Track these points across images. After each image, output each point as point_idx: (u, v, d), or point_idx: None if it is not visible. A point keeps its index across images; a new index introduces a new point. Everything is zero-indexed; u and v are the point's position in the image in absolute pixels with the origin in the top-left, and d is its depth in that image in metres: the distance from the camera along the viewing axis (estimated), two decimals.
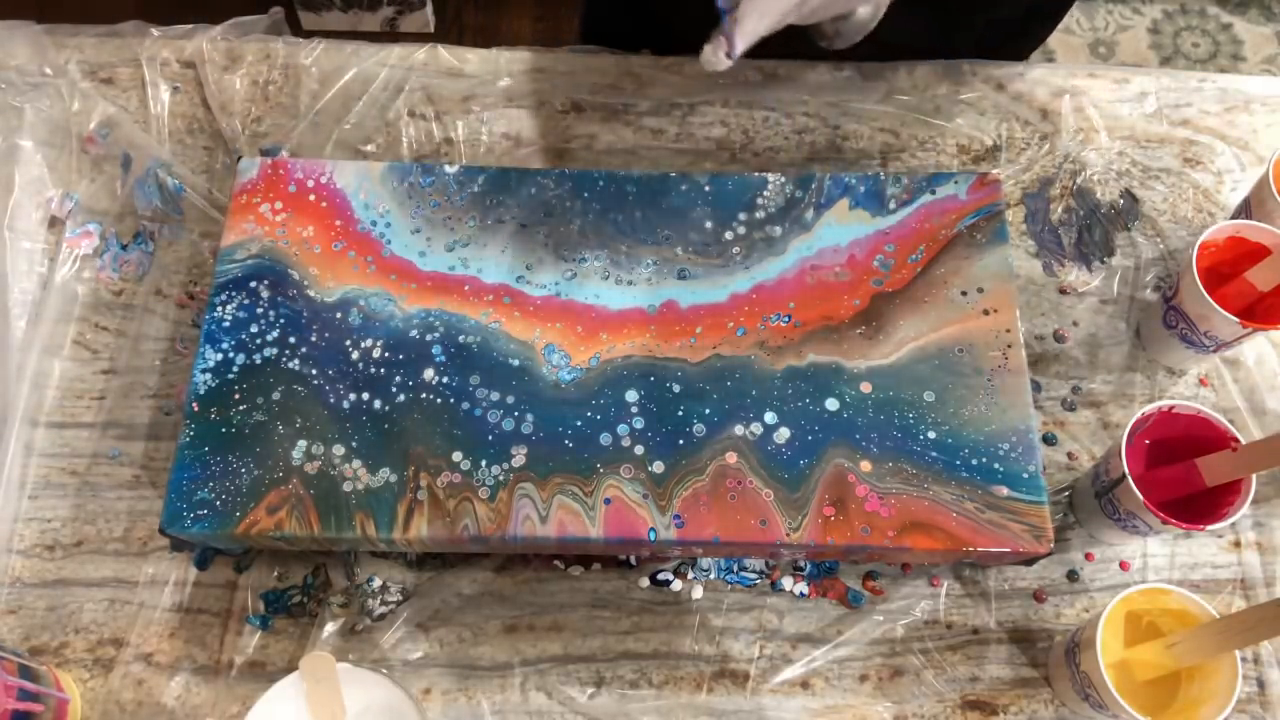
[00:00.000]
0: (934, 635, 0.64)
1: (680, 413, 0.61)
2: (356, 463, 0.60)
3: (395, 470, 0.60)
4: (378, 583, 0.64)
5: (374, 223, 0.67)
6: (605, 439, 0.60)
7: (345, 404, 0.61)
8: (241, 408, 0.61)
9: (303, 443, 0.60)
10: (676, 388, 0.62)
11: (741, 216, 0.68)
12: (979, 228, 0.67)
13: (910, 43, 0.79)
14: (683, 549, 0.60)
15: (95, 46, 0.80)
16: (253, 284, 0.65)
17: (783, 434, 0.61)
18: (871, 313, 0.64)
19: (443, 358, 0.63)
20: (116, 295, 0.72)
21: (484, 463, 0.60)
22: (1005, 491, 0.59)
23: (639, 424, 0.61)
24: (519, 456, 0.60)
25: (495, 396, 0.61)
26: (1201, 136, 0.79)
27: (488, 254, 0.66)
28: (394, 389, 0.62)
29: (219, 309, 0.64)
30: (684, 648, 0.63)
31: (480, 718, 0.61)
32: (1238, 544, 0.67)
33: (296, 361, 0.63)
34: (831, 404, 0.61)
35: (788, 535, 0.58)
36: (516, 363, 0.63)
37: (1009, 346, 0.63)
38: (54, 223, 0.75)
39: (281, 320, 0.64)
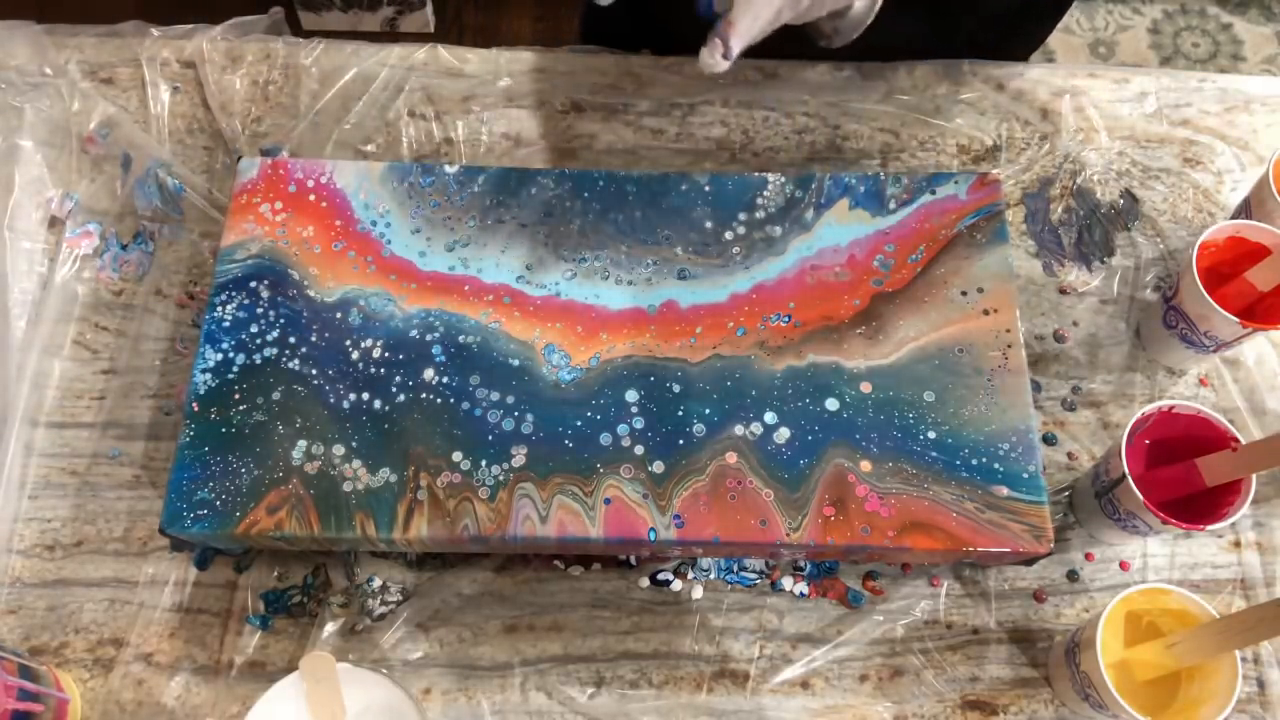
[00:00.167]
0: (934, 635, 0.64)
1: (680, 413, 0.61)
2: (356, 463, 0.60)
3: (395, 470, 0.60)
4: (378, 583, 0.64)
5: (374, 223, 0.67)
6: (605, 439, 0.60)
7: (345, 404, 0.61)
8: (241, 408, 0.61)
9: (303, 443, 0.60)
10: (676, 388, 0.62)
11: (741, 216, 0.68)
12: (979, 228, 0.67)
13: (902, 43, 0.79)
14: (683, 549, 0.60)
15: (95, 46, 0.80)
16: (253, 284, 0.65)
17: (783, 434, 0.61)
18: (871, 313, 0.64)
19: (443, 358, 0.63)
20: (116, 295, 0.72)
21: (484, 463, 0.60)
22: (1005, 491, 0.59)
23: (639, 424, 0.61)
24: (519, 456, 0.60)
25: (495, 396, 0.61)
26: (1201, 136, 0.79)
27: (488, 254, 0.66)
28: (394, 389, 0.62)
29: (219, 309, 0.64)
30: (684, 648, 0.63)
31: (480, 718, 0.61)
32: (1238, 544, 0.67)
33: (296, 361, 0.63)
34: (831, 404, 0.61)
35: (788, 535, 0.58)
36: (516, 363, 0.63)
37: (1009, 346, 0.63)
38: (54, 223, 0.75)
39: (281, 320, 0.64)
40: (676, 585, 0.65)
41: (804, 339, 0.63)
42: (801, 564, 0.65)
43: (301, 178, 0.68)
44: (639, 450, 0.60)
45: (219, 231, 0.70)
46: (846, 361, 0.63)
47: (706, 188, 0.68)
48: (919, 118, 0.79)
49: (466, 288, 0.65)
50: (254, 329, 0.63)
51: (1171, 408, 0.61)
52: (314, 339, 0.63)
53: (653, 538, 0.58)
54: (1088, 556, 0.66)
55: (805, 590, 0.65)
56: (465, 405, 0.61)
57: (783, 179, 0.69)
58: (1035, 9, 0.83)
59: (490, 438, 0.60)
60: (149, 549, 0.65)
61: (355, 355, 0.63)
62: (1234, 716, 0.60)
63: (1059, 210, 0.76)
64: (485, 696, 0.62)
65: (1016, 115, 0.80)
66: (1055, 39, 1.81)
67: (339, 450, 0.60)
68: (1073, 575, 0.66)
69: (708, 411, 0.61)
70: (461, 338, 0.63)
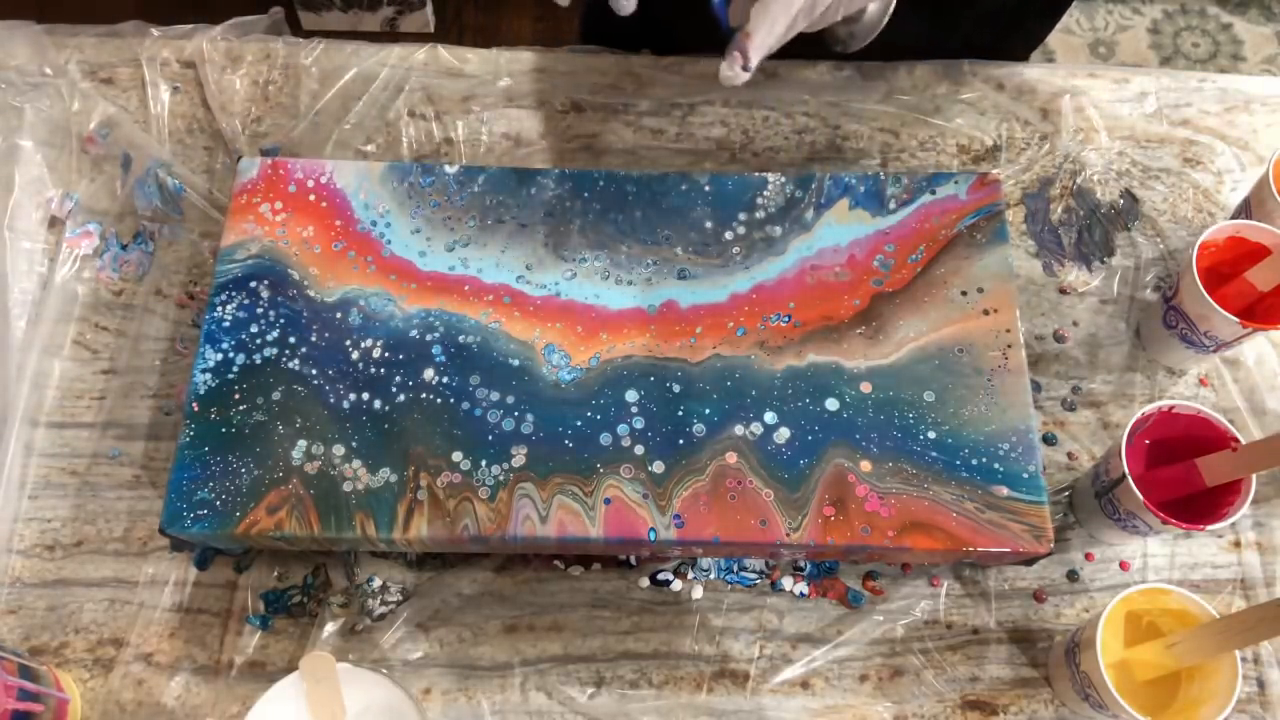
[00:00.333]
0: (934, 635, 0.64)
1: (680, 413, 0.61)
2: (356, 463, 0.60)
3: (395, 470, 0.60)
4: (378, 583, 0.64)
5: (374, 223, 0.67)
6: (605, 439, 0.60)
7: (345, 404, 0.61)
8: (241, 408, 0.61)
9: (303, 443, 0.60)
10: (676, 388, 0.62)
11: (741, 216, 0.68)
12: (979, 228, 0.67)
13: (903, 41, 0.79)
14: (683, 549, 0.60)
15: (95, 46, 0.80)
16: (253, 284, 0.65)
17: (783, 434, 0.61)
18: (871, 313, 0.64)
19: (443, 358, 0.63)
20: (116, 295, 0.72)
21: (484, 463, 0.60)
22: (1005, 491, 0.59)
23: (639, 424, 0.61)
24: (519, 456, 0.60)
25: (495, 396, 0.61)
26: (1201, 136, 0.79)
27: (488, 254, 0.66)
28: (394, 389, 0.62)
29: (219, 309, 0.64)
30: (684, 648, 0.63)
31: (480, 718, 0.61)
32: (1238, 544, 0.67)
33: (296, 361, 0.63)
34: (831, 404, 0.61)
35: (788, 535, 0.58)
36: (516, 363, 0.63)
37: (1009, 346, 0.63)
38: (54, 223, 0.75)
39: (281, 320, 0.64)
40: (676, 585, 0.65)
41: (804, 339, 0.63)
42: (801, 564, 0.65)
43: (301, 178, 0.68)
44: (639, 450, 0.60)
45: (219, 231, 0.70)
46: (846, 361, 0.63)
47: (706, 188, 0.68)
48: (919, 118, 0.79)
49: (466, 288, 0.65)
50: (254, 329, 0.63)
51: (1171, 408, 0.61)
52: (314, 339, 0.63)
53: (653, 538, 0.58)
54: (1088, 556, 0.66)
55: (805, 590, 0.65)
56: (465, 405, 0.61)
57: (783, 179, 0.69)
58: (1035, 6, 0.83)
59: (490, 438, 0.60)
60: (149, 549, 0.65)
61: (355, 355, 0.63)
62: (1234, 716, 0.60)
63: (1059, 210, 0.76)
64: (485, 696, 0.62)
65: (1016, 115, 0.80)
66: (1055, 39, 1.82)
67: (339, 450, 0.60)
68: (1073, 575, 0.66)
69: (708, 411, 0.61)
70: (461, 338, 0.63)
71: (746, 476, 0.59)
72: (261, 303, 0.64)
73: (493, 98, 0.80)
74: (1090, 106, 0.80)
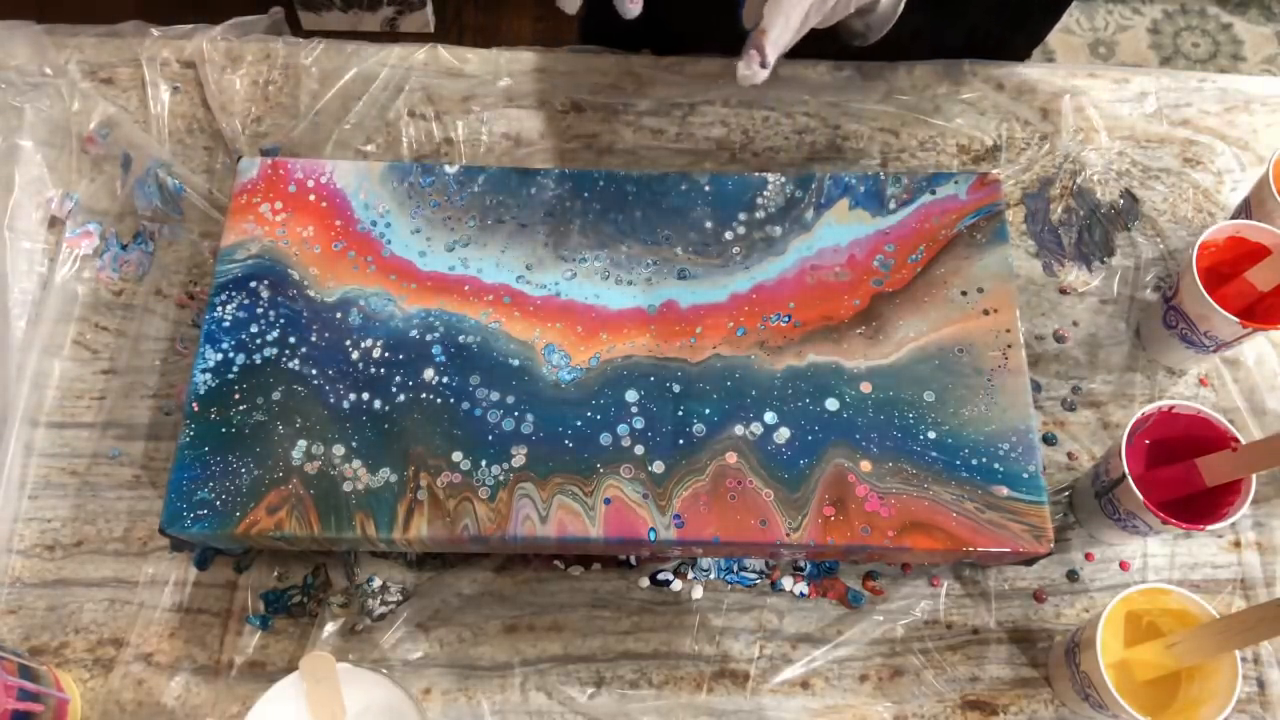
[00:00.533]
0: (934, 635, 0.64)
1: (680, 413, 0.61)
2: (356, 463, 0.60)
3: (395, 470, 0.60)
4: (378, 583, 0.64)
5: (374, 223, 0.67)
6: (605, 439, 0.60)
7: (345, 404, 0.61)
8: (241, 408, 0.61)
9: (303, 443, 0.60)
10: (676, 388, 0.62)
11: (741, 216, 0.68)
12: (979, 228, 0.67)
13: (904, 39, 0.79)
14: (683, 549, 0.60)
15: (95, 46, 0.80)
16: (253, 284, 0.65)
17: (783, 434, 0.61)
18: (871, 313, 0.64)
19: (443, 358, 0.63)
20: (116, 295, 0.72)
21: (484, 463, 0.60)
22: (1005, 491, 0.59)
23: (639, 424, 0.61)
24: (519, 456, 0.60)
25: (495, 396, 0.61)
26: (1201, 136, 0.79)
27: (488, 254, 0.66)
28: (394, 389, 0.62)
29: (219, 309, 0.64)
30: (684, 648, 0.63)
31: (480, 718, 0.61)
32: (1238, 544, 0.67)
33: (296, 361, 0.63)
34: (831, 404, 0.61)
35: (788, 535, 0.58)
36: (516, 363, 0.63)
37: (1009, 346, 0.63)
38: (54, 223, 0.75)
39: (281, 320, 0.64)
40: (676, 585, 0.65)
41: (804, 339, 0.63)
42: (801, 564, 0.65)
43: (301, 178, 0.68)
44: (639, 450, 0.60)
45: (219, 231, 0.70)
46: (846, 361, 0.63)
47: (706, 188, 0.68)
48: (919, 118, 0.79)
49: (466, 288, 0.65)
50: (254, 329, 0.63)
51: (1171, 408, 0.61)
52: (314, 339, 0.63)
53: (653, 538, 0.58)
54: (1088, 556, 0.66)
55: (805, 590, 0.65)
56: (465, 405, 0.61)
57: (783, 179, 0.69)
58: (1036, 3, 0.83)
59: (490, 438, 0.60)
60: (149, 549, 0.65)
61: (355, 355, 0.63)
62: (1234, 716, 0.60)
63: (1059, 210, 0.76)
64: (485, 696, 0.62)
65: (1016, 115, 0.80)
66: (1055, 39, 1.82)
67: (339, 450, 0.60)
68: (1073, 575, 0.66)
69: (708, 411, 0.61)
70: (461, 338, 0.63)
71: (746, 476, 0.59)
72: (261, 303, 0.64)
73: (493, 98, 0.80)
74: (1090, 106, 0.80)
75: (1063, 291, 0.74)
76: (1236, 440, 0.59)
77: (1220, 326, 0.64)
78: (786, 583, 0.65)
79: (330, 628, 0.63)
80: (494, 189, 0.68)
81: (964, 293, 0.65)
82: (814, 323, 0.64)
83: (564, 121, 0.79)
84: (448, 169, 0.69)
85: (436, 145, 0.78)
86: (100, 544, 0.65)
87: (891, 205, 0.68)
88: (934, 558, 0.63)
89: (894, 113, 0.79)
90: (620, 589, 0.65)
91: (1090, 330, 0.72)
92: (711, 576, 0.65)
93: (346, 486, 0.59)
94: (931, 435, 0.61)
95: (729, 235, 0.67)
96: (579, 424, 0.61)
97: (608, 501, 0.59)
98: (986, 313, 0.64)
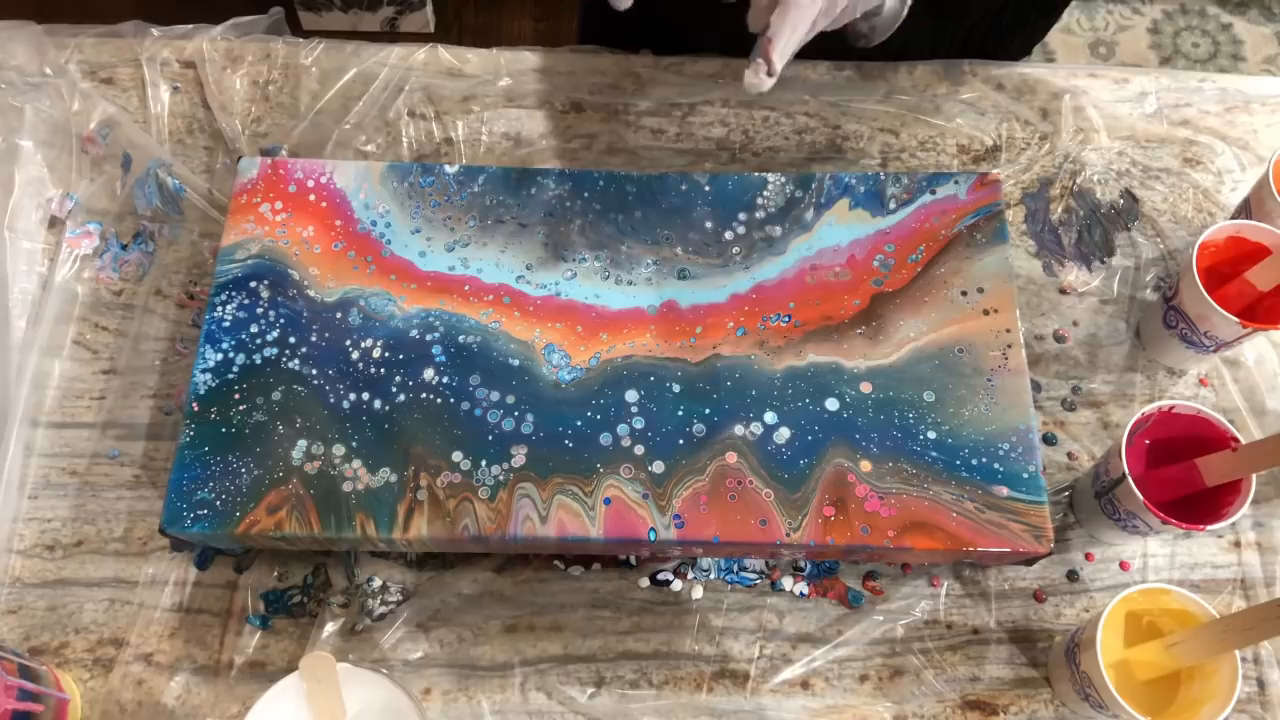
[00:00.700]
0: (934, 635, 0.64)
1: (680, 413, 0.61)
2: (356, 463, 0.60)
3: (395, 470, 0.60)
4: (378, 583, 0.64)
5: (374, 223, 0.67)
6: (605, 439, 0.60)
7: (345, 404, 0.61)
8: (241, 408, 0.61)
9: (303, 443, 0.60)
10: (676, 388, 0.62)
11: (741, 216, 0.68)
12: (979, 228, 0.67)
13: (904, 38, 0.79)
14: (683, 549, 0.60)
15: (95, 46, 0.80)
16: (253, 284, 0.65)
17: (783, 434, 0.61)
18: (871, 313, 0.64)
19: (443, 358, 0.63)
20: (116, 295, 0.72)
21: (484, 463, 0.60)
22: (1005, 491, 0.59)
23: (639, 424, 0.61)
24: (519, 456, 0.60)
25: (495, 396, 0.61)
26: (1201, 136, 0.79)
27: (488, 254, 0.66)
28: (394, 389, 0.62)
29: (219, 309, 0.64)
30: (684, 648, 0.63)
31: (480, 718, 0.61)
32: (1238, 544, 0.67)
33: (296, 361, 0.63)
34: (831, 404, 0.61)
35: (788, 535, 0.58)
36: (516, 363, 0.63)
37: (1009, 346, 0.63)
38: (54, 223, 0.75)
39: (281, 320, 0.64)
40: (676, 585, 0.65)
41: (804, 339, 0.63)
42: (801, 564, 0.65)
43: (301, 178, 0.68)
44: (639, 450, 0.60)
45: (219, 231, 0.70)
46: (846, 361, 0.63)
47: (706, 188, 0.68)
48: (919, 118, 0.79)
49: (466, 288, 0.65)
50: (254, 329, 0.63)
51: (1171, 408, 0.61)
52: (314, 339, 0.63)
53: (653, 538, 0.58)
54: (1088, 556, 0.66)
55: (805, 590, 0.65)
56: (465, 405, 0.61)
57: (783, 179, 0.69)
58: (1035, 3, 0.83)
59: (490, 438, 0.60)
60: (149, 549, 0.65)
61: (355, 355, 0.63)
62: (1234, 716, 0.61)
63: (1059, 210, 0.76)
64: (485, 696, 0.62)
65: (1016, 115, 0.80)
66: (1055, 39, 1.82)
67: (339, 450, 0.60)
68: (1073, 575, 0.66)
69: (708, 411, 0.61)
70: (461, 338, 0.63)
71: (746, 476, 0.59)
72: (261, 303, 0.64)
73: (493, 98, 0.80)
74: (1090, 106, 0.80)
75: (1063, 291, 0.74)
76: (1236, 440, 0.59)
77: (1220, 326, 0.64)
78: (786, 583, 0.65)
79: (330, 628, 0.63)
80: (494, 189, 0.68)
81: (964, 293, 0.65)
82: (814, 323, 0.64)
83: (564, 121, 0.79)
84: (448, 169, 0.69)
85: (436, 145, 0.78)
86: (100, 544, 0.65)
87: (891, 205, 0.68)
88: (934, 558, 0.63)
89: (894, 113, 0.79)
90: (620, 589, 0.65)
91: (1090, 330, 0.72)
92: (711, 576, 0.65)
93: (346, 486, 0.59)
94: (931, 435, 0.61)
95: (729, 235, 0.67)
96: (579, 424, 0.61)
97: (608, 501, 0.59)
98: (986, 313, 0.64)
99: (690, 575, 0.65)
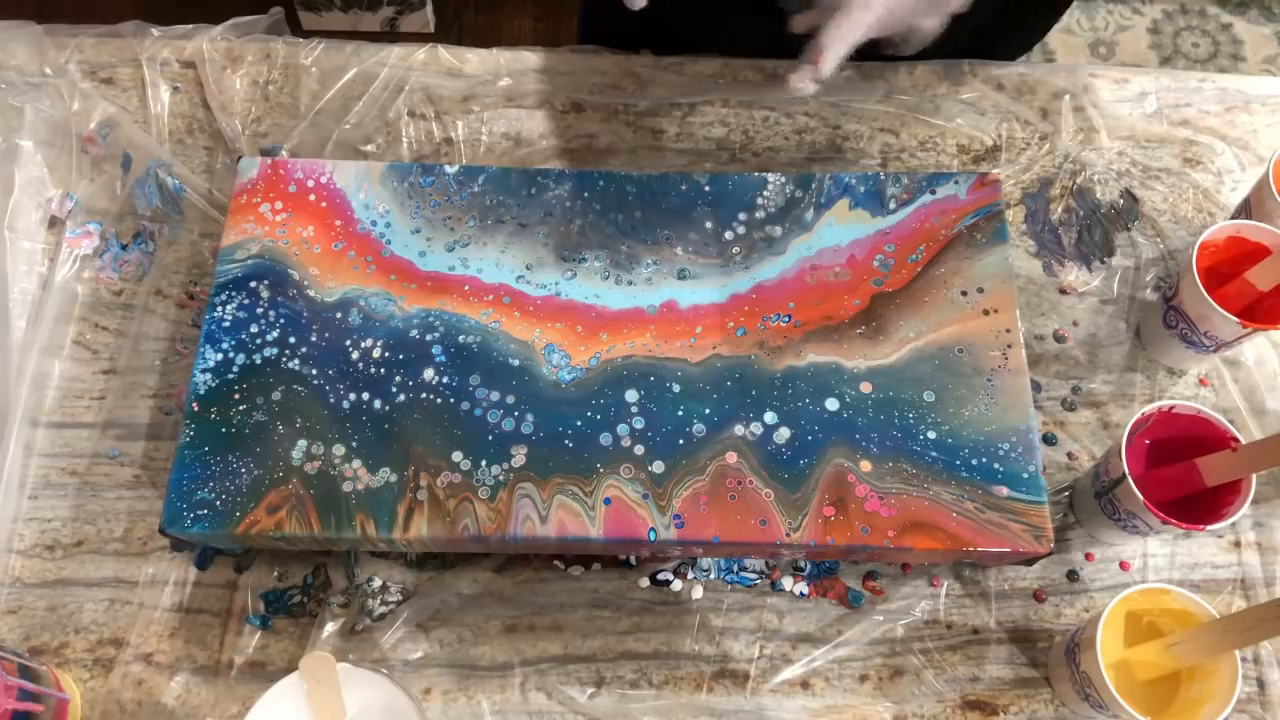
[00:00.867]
0: (934, 635, 0.64)
1: (680, 413, 0.61)
2: (356, 463, 0.60)
3: (395, 470, 0.60)
4: (378, 583, 0.64)
5: (374, 223, 0.67)
6: (605, 439, 0.60)
7: (345, 404, 0.61)
8: (241, 408, 0.61)
9: (303, 443, 0.60)
10: (676, 388, 0.62)
11: (741, 216, 0.68)
12: (979, 228, 0.67)
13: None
14: (683, 549, 0.60)
15: (95, 46, 0.80)
16: (253, 284, 0.65)
17: (783, 434, 0.61)
18: (871, 313, 0.64)
19: (443, 358, 0.63)
20: (116, 295, 0.72)
21: (484, 463, 0.60)
22: (1005, 491, 0.59)
23: (639, 424, 0.61)
24: (519, 456, 0.60)
25: (495, 396, 0.61)
26: (1201, 136, 0.79)
27: (488, 254, 0.66)
28: (394, 389, 0.62)
29: (219, 309, 0.64)
30: (684, 648, 0.63)
31: (480, 718, 0.61)
32: (1238, 544, 0.67)
33: (296, 361, 0.63)
34: (831, 404, 0.61)
35: (788, 535, 0.58)
36: (516, 363, 0.63)
37: (1009, 346, 0.63)
38: (54, 223, 0.75)
39: (281, 320, 0.64)
40: (676, 585, 0.65)
41: (804, 339, 0.63)
42: (801, 564, 0.65)
43: (301, 178, 0.68)
44: (639, 450, 0.60)
45: (219, 231, 0.70)
46: (846, 361, 0.63)
47: (706, 188, 0.68)
48: (919, 118, 0.79)
49: (466, 288, 0.65)
50: (254, 329, 0.63)
51: (1171, 408, 0.61)
52: (314, 339, 0.63)
53: (653, 538, 0.58)
54: (1088, 556, 0.66)
55: (805, 590, 0.65)
56: (465, 405, 0.61)
57: (783, 179, 0.69)
58: (1035, 3, 0.83)
59: (490, 438, 0.60)
60: (149, 549, 0.65)
61: (355, 355, 0.63)
62: (1234, 716, 0.61)
63: (1059, 210, 0.76)
64: (485, 696, 0.62)
65: (1016, 115, 0.80)
66: (1055, 39, 1.82)
67: (339, 450, 0.60)
68: (1073, 575, 0.66)
69: (708, 411, 0.61)
70: (461, 338, 0.63)
71: (746, 476, 0.59)
72: (261, 303, 0.64)
73: (493, 98, 0.80)
74: (1090, 106, 0.80)
75: (1063, 291, 0.74)
76: (1236, 440, 0.59)
77: (1220, 326, 0.64)
78: (786, 583, 0.65)
79: (330, 628, 0.63)
80: (494, 189, 0.68)
81: (964, 293, 0.65)
82: (814, 323, 0.64)
83: (564, 121, 0.79)
84: (448, 169, 0.69)
85: (436, 145, 0.78)
86: (100, 544, 0.65)
87: (891, 205, 0.68)
88: (934, 558, 0.63)
89: (894, 113, 0.79)
90: (620, 589, 0.65)
91: (1090, 330, 0.72)
92: (711, 576, 0.65)
93: (346, 486, 0.59)
94: (931, 435, 0.61)
95: (729, 235, 0.67)
96: (579, 424, 0.61)
97: (608, 501, 0.59)
98: (986, 313, 0.64)
99: (690, 575, 0.65)
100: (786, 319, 0.64)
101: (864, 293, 0.65)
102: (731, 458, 0.60)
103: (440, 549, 0.63)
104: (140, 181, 0.75)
